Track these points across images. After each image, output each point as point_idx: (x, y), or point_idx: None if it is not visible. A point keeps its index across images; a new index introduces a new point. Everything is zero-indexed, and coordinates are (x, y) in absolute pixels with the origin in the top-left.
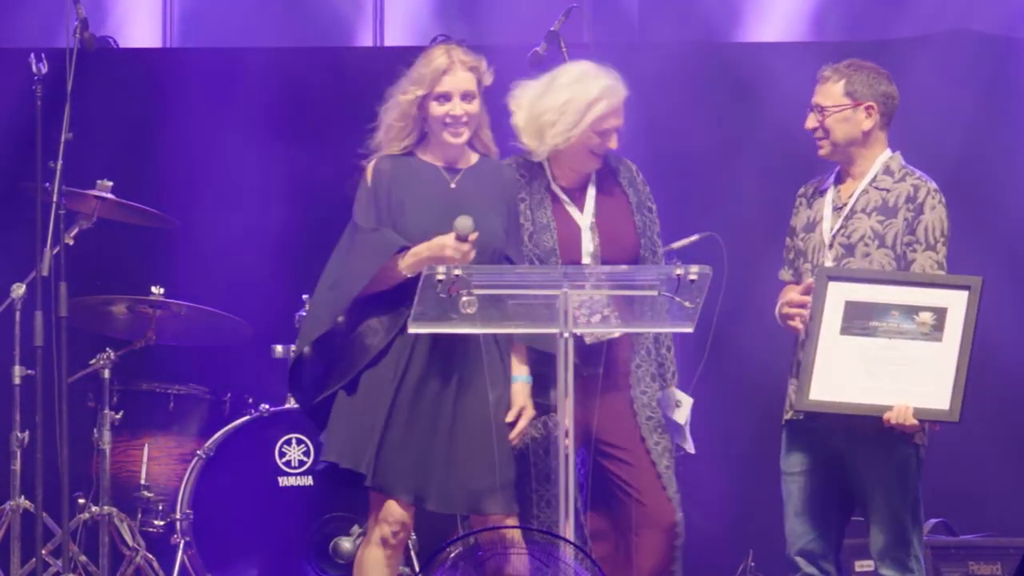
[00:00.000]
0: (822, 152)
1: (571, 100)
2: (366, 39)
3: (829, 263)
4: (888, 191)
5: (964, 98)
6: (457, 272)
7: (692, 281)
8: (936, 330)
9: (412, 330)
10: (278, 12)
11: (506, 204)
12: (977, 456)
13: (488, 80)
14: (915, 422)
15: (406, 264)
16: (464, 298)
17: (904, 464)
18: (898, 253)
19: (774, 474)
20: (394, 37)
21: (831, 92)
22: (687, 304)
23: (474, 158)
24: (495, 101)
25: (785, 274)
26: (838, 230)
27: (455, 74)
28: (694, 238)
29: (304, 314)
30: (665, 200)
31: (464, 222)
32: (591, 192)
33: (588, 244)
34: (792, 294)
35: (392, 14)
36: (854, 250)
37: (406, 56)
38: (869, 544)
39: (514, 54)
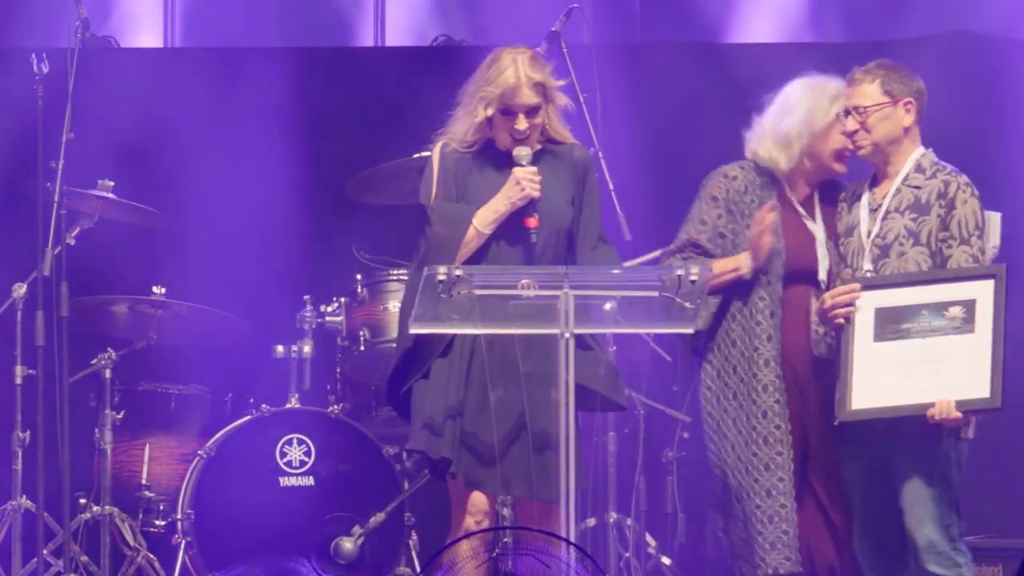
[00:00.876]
0: (862, 152)
1: (810, 110)
2: (367, 39)
3: (867, 265)
4: (920, 188)
5: (963, 99)
6: (458, 272)
7: (692, 282)
8: (967, 322)
9: (413, 331)
10: (279, 12)
11: (575, 184)
12: (978, 458)
13: (554, 83)
14: (958, 415)
15: (485, 221)
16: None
17: (947, 460)
18: (933, 250)
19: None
20: (395, 37)
21: (868, 92)
22: (688, 304)
23: (538, 144)
24: None
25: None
26: (876, 232)
27: (521, 92)
28: None
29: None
30: (665, 200)
31: (521, 151)
32: (818, 206)
33: (824, 257)
34: (832, 291)
35: (393, 14)
36: (889, 250)
37: (407, 56)
38: (910, 540)
39: None
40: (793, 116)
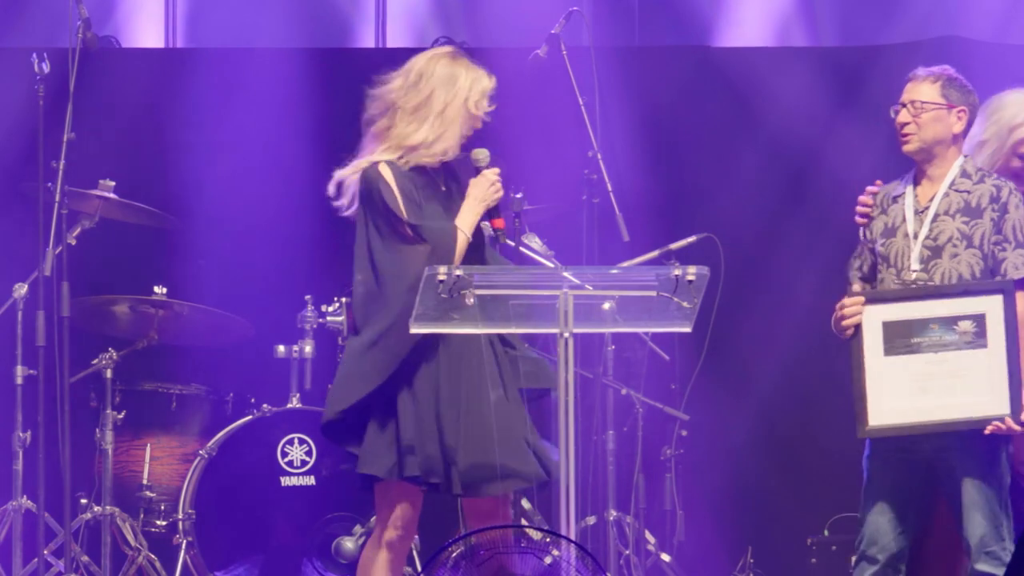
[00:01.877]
0: (908, 147)
1: (996, 124)
2: (368, 40)
3: (916, 265)
4: (969, 193)
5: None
6: (458, 272)
7: (690, 281)
8: (979, 336)
9: (414, 330)
10: (280, 13)
11: None
12: None
13: None
14: (1018, 427)
15: (470, 226)
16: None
17: (997, 459)
18: (986, 252)
19: (773, 471)
20: (395, 38)
21: (928, 91)
22: (685, 304)
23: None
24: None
25: (855, 285)
26: (925, 233)
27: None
28: (692, 239)
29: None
30: (663, 201)
31: (480, 153)
32: None
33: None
34: (844, 300)
35: (393, 15)
36: (942, 252)
37: (407, 57)
38: (965, 540)
39: (515, 57)
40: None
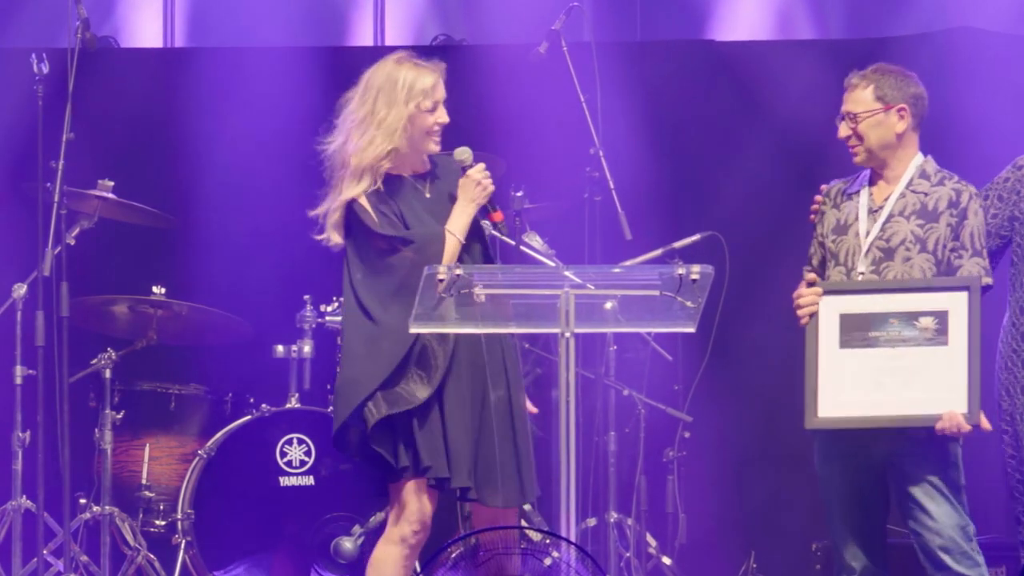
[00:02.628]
0: (858, 159)
1: None
2: (366, 38)
3: (865, 267)
4: (927, 195)
5: (966, 96)
6: (458, 272)
7: (694, 281)
8: (940, 333)
9: (413, 330)
10: (278, 12)
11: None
12: (982, 457)
13: None
14: (969, 427)
15: (461, 229)
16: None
17: (955, 460)
18: (939, 258)
19: (776, 474)
20: (394, 36)
21: (861, 98)
22: (689, 304)
23: (426, 162)
24: (497, 99)
25: (807, 274)
26: (876, 234)
27: (440, 82)
28: (696, 237)
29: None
30: (666, 199)
31: (462, 153)
32: None
33: None
34: (799, 290)
35: (392, 13)
36: (894, 254)
37: None
38: (925, 543)
39: (515, 54)
40: None
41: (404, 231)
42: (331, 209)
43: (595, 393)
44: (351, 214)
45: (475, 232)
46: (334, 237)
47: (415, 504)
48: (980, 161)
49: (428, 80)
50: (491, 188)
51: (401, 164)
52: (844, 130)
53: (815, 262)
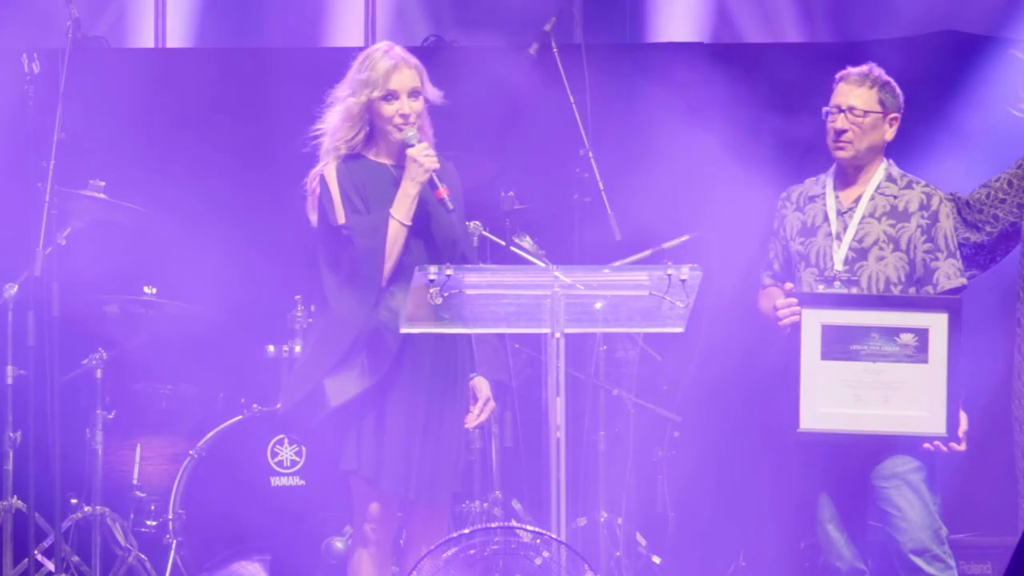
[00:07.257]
0: (844, 154)
1: None
2: (357, 39)
3: (840, 266)
4: (896, 197)
5: (950, 99)
6: (448, 272)
7: (683, 281)
8: (920, 351)
9: (404, 330)
10: (269, 12)
11: (456, 197)
12: (966, 455)
13: (427, 79)
14: (964, 447)
15: (404, 211)
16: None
17: (932, 464)
18: (912, 257)
19: (765, 473)
20: (385, 37)
21: (866, 97)
22: (678, 304)
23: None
24: (487, 101)
25: (767, 278)
26: (852, 235)
27: (401, 72)
28: (684, 238)
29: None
30: (655, 200)
31: (408, 131)
32: None
33: None
34: (781, 299)
35: (383, 15)
36: (867, 254)
37: None
38: (897, 546)
39: (505, 55)
40: None
41: (353, 218)
42: (309, 185)
43: (585, 393)
44: (322, 193)
45: (429, 215)
46: (311, 217)
47: (361, 502)
48: (965, 163)
49: (381, 69)
50: (434, 165)
51: (380, 151)
52: (843, 123)
53: (777, 266)
